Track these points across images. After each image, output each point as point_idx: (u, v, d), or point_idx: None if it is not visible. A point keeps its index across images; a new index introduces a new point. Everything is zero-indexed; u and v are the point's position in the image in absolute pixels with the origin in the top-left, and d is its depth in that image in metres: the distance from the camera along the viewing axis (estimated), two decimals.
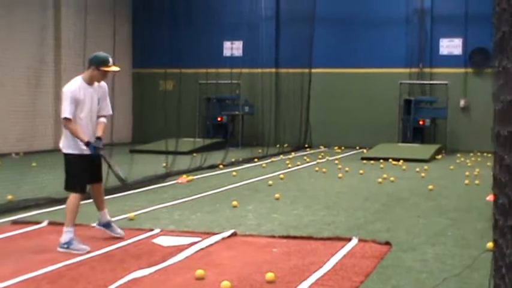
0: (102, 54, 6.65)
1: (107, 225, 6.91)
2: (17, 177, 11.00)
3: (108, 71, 6.65)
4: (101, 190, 6.89)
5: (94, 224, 6.96)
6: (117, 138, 16.59)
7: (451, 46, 20.89)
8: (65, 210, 6.53)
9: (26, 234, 7.07)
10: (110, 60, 6.63)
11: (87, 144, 6.38)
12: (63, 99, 6.45)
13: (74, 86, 6.44)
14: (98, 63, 6.55)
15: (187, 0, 20.96)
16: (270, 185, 11.26)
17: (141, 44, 22.47)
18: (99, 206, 6.86)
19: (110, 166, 7.24)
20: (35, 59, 18.10)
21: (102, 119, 6.69)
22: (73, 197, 6.47)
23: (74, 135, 6.42)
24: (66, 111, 6.36)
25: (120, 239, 6.74)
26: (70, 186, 6.54)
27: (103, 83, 6.72)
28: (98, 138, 6.54)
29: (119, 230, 6.92)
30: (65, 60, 18.86)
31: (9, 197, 9.04)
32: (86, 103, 6.48)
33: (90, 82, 6.55)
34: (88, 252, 6.11)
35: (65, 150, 6.53)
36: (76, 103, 6.41)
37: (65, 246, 6.21)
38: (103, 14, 18.61)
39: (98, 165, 6.75)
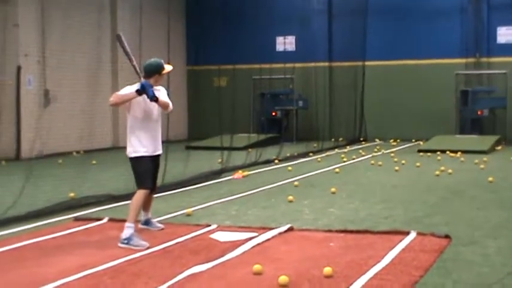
0: (156, 60, 6.81)
1: (147, 222, 7.19)
2: (78, 175, 11.29)
3: (165, 73, 6.82)
4: (153, 196, 7.15)
5: (140, 225, 7.07)
6: (173, 135, 16.86)
7: (509, 34, 20.32)
8: (129, 206, 6.69)
9: (87, 231, 7.25)
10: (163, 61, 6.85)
11: (138, 91, 6.41)
12: None
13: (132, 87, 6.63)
14: (159, 69, 6.72)
15: None
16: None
17: (195, 42, 22.69)
18: (146, 207, 7.10)
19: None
20: (92, 59, 18.52)
21: None
22: (140, 193, 6.63)
23: (124, 100, 6.56)
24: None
25: (176, 234, 6.84)
26: (140, 182, 6.70)
27: (159, 87, 6.84)
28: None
29: (158, 224, 7.23)
30: (121, 60, 19.24)
31: (71, 194, 9.28)
32: (149, 108, 6.66)
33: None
34: (147, 248, 6.22)
35: (132, 155, 6.73)
36: (137, 105, 6.60)
37: (126, 241, 6.34)
38: (157, 14, 18.88)
39: (156, 172, 6.96)
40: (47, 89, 17.02)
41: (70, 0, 17.80)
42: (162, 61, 6.83)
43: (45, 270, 5.49)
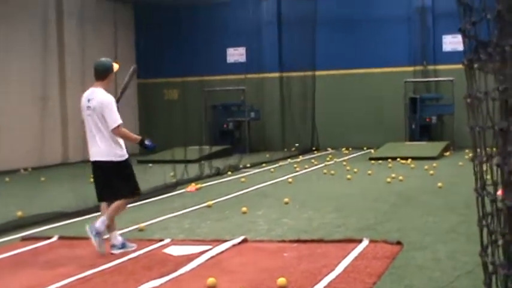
0: (105, 59, 6.88)
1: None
2: (26, 193, 11.04)
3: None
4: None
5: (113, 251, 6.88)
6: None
7: (454, 42, 20.77)
8: (110, 214, 6.73)
9: (36, 250, 7.07)
10: None
11: (142, 141, 6.75)
12: (110, 109, 6.57)
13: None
14: (112, 68, 6.79)
15: (189, 9, 20.97)
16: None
17: (144, 54, 22.50)
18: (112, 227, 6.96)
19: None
20: (39, 72, 18.15)
21: None
22: (127, 201, 6.86)
23: (127, 138, 6.73)
24: (119, 118, 6.59)
25: (128, 250, 6.73)
26: (136, 186, 6.89)
27: (109, 96, 6.80)
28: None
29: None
30: (69, 74, 18.92)
31: (19, 213, 9.04)
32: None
33: None
34: (98, 266, 6.10)
35: (125, 157, 6.69)
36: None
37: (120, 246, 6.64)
38: (104, 27, 18.65)
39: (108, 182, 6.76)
40: None
41: (13, 13, 17.42)
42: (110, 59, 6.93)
43: None
